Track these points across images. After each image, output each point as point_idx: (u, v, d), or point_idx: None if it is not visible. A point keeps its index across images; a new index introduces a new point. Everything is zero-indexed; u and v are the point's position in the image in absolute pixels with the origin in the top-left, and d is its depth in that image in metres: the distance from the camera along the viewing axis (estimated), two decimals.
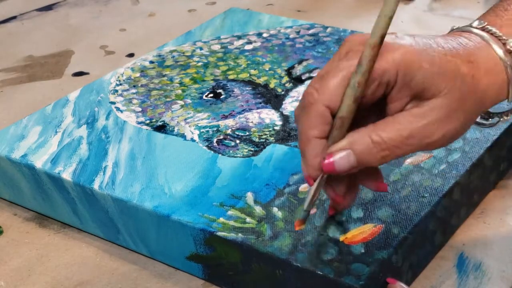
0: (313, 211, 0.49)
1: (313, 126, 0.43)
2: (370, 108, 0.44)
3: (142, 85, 0.66)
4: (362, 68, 0.41)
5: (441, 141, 0.43)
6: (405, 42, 0.43)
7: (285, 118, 0.60)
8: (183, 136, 0.59)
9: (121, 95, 0.65)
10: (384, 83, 0.42)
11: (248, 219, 0.50)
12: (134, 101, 0.64)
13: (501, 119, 0.49)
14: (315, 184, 0.44)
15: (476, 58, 0.44)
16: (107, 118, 0.62)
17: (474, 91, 0.43)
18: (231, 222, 0.49)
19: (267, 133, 0.58)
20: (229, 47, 0.72)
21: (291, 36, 0.73)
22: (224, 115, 0.61)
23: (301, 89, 0.64)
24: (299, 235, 0.48)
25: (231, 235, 0.48)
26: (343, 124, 0.43)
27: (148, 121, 0.61)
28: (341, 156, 0.43)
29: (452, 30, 0.47)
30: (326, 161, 0.43)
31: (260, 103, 0.62)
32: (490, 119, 0.49)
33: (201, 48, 0.72)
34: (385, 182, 0.47)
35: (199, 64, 0.69)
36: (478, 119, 0.49)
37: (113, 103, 0.64)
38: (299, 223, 0.47)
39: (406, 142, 0.42)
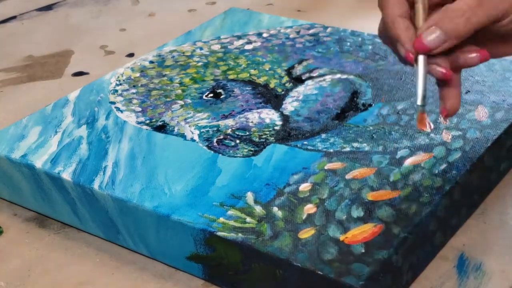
0: (312, 209, 0.50)
1: (394, 6, 0.47)
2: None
3: (142, 85, 0.66)
4: None
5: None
6: None
7: (285, 118, 0.60)
8: (183, 136, 0.59)
9: (121, 95, 0.65)
10: None
11: (248, 219, 0.50)
12: (134, 101, 0.64)
13: None
14: (420, 72, 0.46)
15: None
16: (107, 118, 0.62)
17: None
18: (231, 222, 0.49)
19: (267, 133, 0.58)
20: (229, 47, 0.72)
21: (291, 36, 0.73)
22: (224, 115, 0.61)
23: (301, 89, 0.64)
24: (299, 235, 0.48)
25: (231, 235, 0.48)
26: (425, 7, 0.46)
27: (148, 121, 0.61)
28: (429, 33, 0.45)
29: None
30: (417, 40, 0.46)
31: (260, 103, 0.62)
32: None
33: (201, 48, 0.72)
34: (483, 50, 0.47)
35: (199, 64, 0.69)
36: None
37: (113, 103, 0.64)
38: (421, 119, 0.47)
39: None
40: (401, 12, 0.47)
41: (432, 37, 0.45)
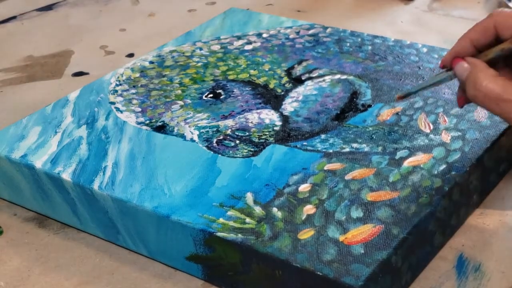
0: (311, 209, 0.50)
1: (473, 30, 0.51)
2: None
3: (142, 85, 0.67)
4: None
5: None
6: None
7: (284, 119, 0.60)
8: (182, 136, 0.59)
9: (121, 95, 0.65)
10: None
11: (247, 220, 0.50)
12: (134, 101, 0.64)
13: None
14: (437, 77, 0.52)
15: None
16: (107, 119, 0.62)
17: None
18: (231, 223, 0.49)
19: (267, 133, 0.58)
20: (229, 47, 0.72)
21: (291, 36, 0.73)
22: (223, 115, 0.61)
23: (300, 89, 0.64)
24: (298, 236, 0.48)
25: (231, 236, 0.48)
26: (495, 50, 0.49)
27: (148, 121, 0.61)
28: (462, 65, 0.50)
29: None
30: (456, 60, 0.51)
31: (260, 103, 0.62)
32: None
33: (201, 49, 0.72)
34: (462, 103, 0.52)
35: (199, 64, 0.69)
36: None
37: (113, 103, 0.64)
38: (400, 96, 0.53)
39: (500, 98, 0.47)
40: (473, 35, 0.50)
41: (459, 71, 0.50)
